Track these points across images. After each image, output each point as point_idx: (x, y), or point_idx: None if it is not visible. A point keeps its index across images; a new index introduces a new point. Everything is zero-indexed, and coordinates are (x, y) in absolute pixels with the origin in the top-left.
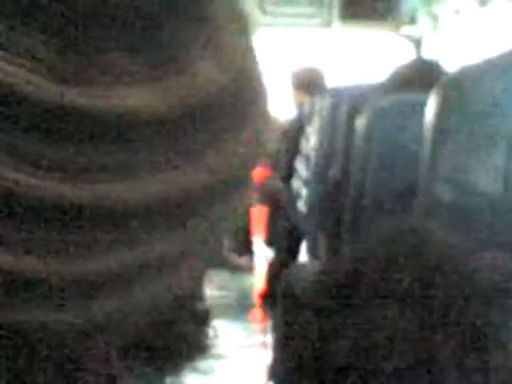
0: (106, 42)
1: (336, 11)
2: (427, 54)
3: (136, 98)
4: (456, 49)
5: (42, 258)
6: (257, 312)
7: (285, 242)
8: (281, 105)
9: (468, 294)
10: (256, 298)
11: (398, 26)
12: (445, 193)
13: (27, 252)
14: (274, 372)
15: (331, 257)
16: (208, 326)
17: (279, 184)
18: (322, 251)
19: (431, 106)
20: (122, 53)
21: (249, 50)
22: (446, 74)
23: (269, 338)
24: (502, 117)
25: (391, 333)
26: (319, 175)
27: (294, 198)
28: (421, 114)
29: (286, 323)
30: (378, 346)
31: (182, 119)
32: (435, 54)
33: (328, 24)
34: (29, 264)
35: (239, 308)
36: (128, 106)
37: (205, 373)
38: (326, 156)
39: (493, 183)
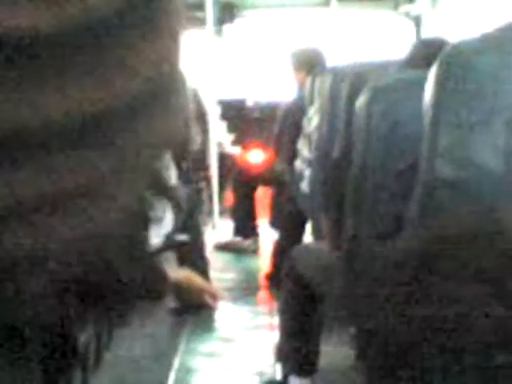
0: None
1: None
2: (427, 32)
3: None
4: (455, 25)
5: None
6: (263, 294)
7: (289, 223)
8: (282, 85)
9: None
10: (262, 280)
11: (396, 4)
12: (444, 169)
13: None
14: (281, 353)
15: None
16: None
17: (283, 166)
18: (324, 232)
19: (430, 83)
20: None
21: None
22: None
23: (275, 320)
24: (501, 91)
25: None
26: (321, 155)
27: (297, 179)
28: (421, 91)
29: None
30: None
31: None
32: (434, 32)
33: (326, 3)
34: None
35: (245, 290)
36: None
37: (211, 355)
38: (327, 136)
39: (493, 158)
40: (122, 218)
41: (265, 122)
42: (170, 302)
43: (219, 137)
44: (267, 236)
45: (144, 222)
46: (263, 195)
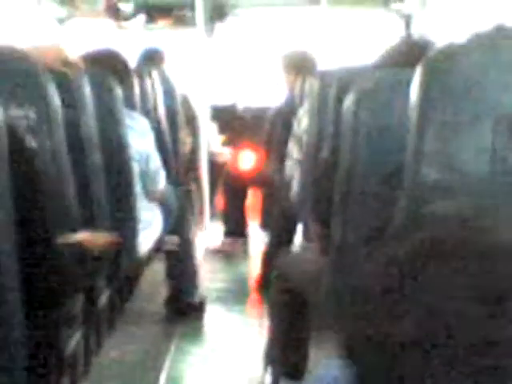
0: None
1: None
2: (417, 30)
3: None
4: (445, 24)
5: None
6: (253, 296)
7: (280, 225)
8: (272, 87)
9: None
10: (252, 283)
11: (387, 2)
12: (430, 171)
13: None
14: (270, 357)
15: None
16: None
17: (274, 167)
18: (313, 235)
19: (416, 84)
20: None
21: None
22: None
23: (265, 323)
24: (487, 93)
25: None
26: (310, 157)
27: (287, 180)
28: (407, 93)
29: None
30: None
31: None
32: (425, 30)
33: (316, 2)
34: None
35: (235, 292)
36: None
37: (201, 359)
38: (316, 138)
39: (479, 161)
40: None
41: (255, 125)
42: (161, 308)
43: (209, 139)
44: (257, 238)
45: None
46: (254, 197)
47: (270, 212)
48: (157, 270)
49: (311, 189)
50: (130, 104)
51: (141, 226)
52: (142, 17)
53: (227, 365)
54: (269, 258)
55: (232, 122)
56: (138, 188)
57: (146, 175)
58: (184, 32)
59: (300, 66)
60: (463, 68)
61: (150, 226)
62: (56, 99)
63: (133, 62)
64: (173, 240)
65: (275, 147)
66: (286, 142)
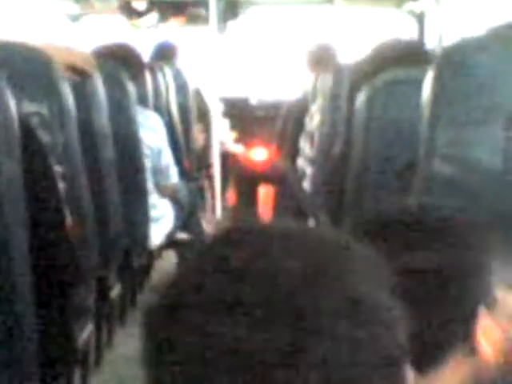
0: None
1: None
2: (431, 30)
3: None
4: (458, 23)
5: None
6: None
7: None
8: (285, 83)
9: None
10: None
11: (400, 2)
12: (442, 167)
13: None
14: None
15: None
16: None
17: (286, 164)
18: None
19: (428, 81)
20: None
21: None
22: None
23: None
24: (499, 90)
25: None
26: (322, 154)
27: (299, 177)
28: (419, 89)
29: None
30: None
31: None
32: (439, 30)
33: (330, 1)
34: None
35: None
36: None
37: None
38: (328, 134)
39: (491, 157)
40: None
41: (268, 120)
42: None
43: (222, 135)
44: None
45: None
46: (265, 194)
47: (281, 208)
48: (167, 265)
49: (323, 184)
50: (142, 99)
51: (152, 221)
52: (154, 15)
53: None
54: None
55: (244, 118)
56: (149, 183)
57: (157, 171)
58: (197, 30)
59: (324, 61)
60: (476, 64)
61: (161, 221)
62: (69, 95)
63: (145, 59)
64: (184, 235)
65: (287, 143)
66: (298, 138)
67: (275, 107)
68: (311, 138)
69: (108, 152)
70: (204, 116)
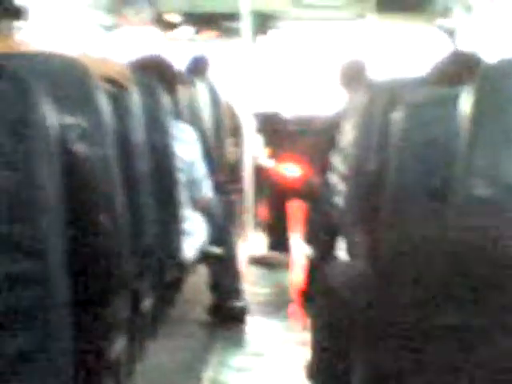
0: None
1: (371, 3)
2: (462, 45)
3: None
4: (491, 39)
5: None
6: (295, 308)
7: (323, 238)
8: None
9: None
10: (294, 295)
11: (432, 17)
12: (480, 188)
13: None
14: (312, 370)
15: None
16: None
17: (318, 180)
18: (359, 248)
19: (467, 99)
20: None
21: None
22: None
23: (307, 336)
24: None
25: None
26: (356, 171)
27: (330, 193)
28: (456, 107)
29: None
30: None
31: None
32: (470, 45)
33: (362, 16)
34: None
35: (277, 305)
36: None
37: (242, 369)
38: (362, 151)
39: None
40: None
41: (300, 135)
42: (203, 315)
43: (255, 150)
44: (300, 251)
45: None
46: (297, 209)
47: (313, 225)
48: (199, 278)
49: (358, 201)
50: (176, 112)
51: (185, 234)
52: (188, 28)
53: (268, 375)
54: (311, 272)
55: (276, 134)
56: (183, 197)
57: (191, 184)
58: (229, 43)
59: (357, 77)
60: None
61: (193, 234)
62: (106, 108)
63: (180, 72)
64: (216, 249)
65: (319, 159)
66: (330, 154)
67: (307, 122)
68: (344, 154)
69: (143, 165)
70: (236, 130)
